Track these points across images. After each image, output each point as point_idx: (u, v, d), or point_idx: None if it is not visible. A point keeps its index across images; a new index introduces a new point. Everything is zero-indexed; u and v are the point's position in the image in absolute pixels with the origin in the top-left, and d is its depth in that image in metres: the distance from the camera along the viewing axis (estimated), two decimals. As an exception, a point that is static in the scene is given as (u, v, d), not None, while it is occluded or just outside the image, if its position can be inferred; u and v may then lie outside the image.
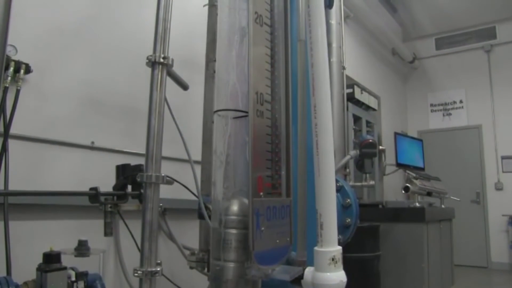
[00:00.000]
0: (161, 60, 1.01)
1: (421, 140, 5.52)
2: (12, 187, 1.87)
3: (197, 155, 2.03)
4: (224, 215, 0.96)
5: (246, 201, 0.92)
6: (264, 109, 0.97)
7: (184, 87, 1.25)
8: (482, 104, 7.25)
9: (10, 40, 1.40)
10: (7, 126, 1.92)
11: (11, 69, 1.95)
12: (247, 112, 0.95)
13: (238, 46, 1.03)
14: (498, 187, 6.91)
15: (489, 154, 7.08)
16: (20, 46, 1.99)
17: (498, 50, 7.27)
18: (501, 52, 7.23)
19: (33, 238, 1.99)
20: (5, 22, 1.36)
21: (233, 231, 0.94)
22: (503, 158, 6.96)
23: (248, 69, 0.95)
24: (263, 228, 0.94)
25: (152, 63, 1.02)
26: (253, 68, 0.95)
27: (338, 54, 2.98)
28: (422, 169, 5.07)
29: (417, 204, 3.77)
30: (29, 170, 2.05)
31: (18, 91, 1.99)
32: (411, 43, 7.89)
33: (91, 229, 2.02)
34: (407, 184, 3.70)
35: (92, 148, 2.32)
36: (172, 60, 1.04)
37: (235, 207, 0.96)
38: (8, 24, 1.33)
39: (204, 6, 2.23)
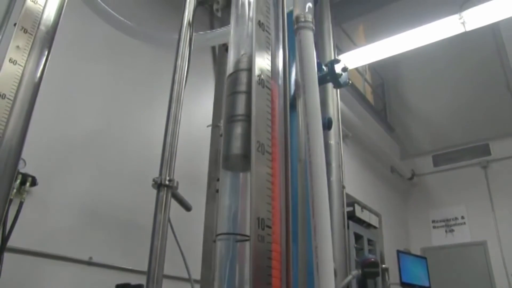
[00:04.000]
0: (167, 182, 1.05)
1: (425, 258, 5.39)
2: (1, 304, 1.80)
3: (195, 273, 1.98)
4: (237, 64, 1.16)
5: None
6: (265, 234, 0.99)
7: (187, 208, 1.27)
8: (484, 219, 7.15)
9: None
10: (5, 239, 1.90)
11: (18, 181, 2.00)
12: (248, 236, 0.97)
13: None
14: (515, 308, 6.49)
15: (498, 271, 6.75)
16: (28, 158, 2.06)
17: (494, 166, 7.40)
18: (497, 167, 7.35)
19: None
20: (20, 140, 1.42)
21: (244, 72, 1.12)
22: (513, 275, 6.64)
23: (250, 194, 0.98)
24: None
25: (158, 185, 1.06)
26: (255, 193, 0.98)
27: (337, 173, 3.05)
28: (428, 287, 4.88)
29: (426, 328, 3.55)
30: (22, 286, 1.99)
31: (21, 204, 2.01)
32: (409, 161, 8.07)
33: None
34: (414, 306, 3.52)
35: (89, 263, 2.27)
36: (177, 182, 1.08)
37: (244, 59, 1.15)
38: (23, 143, 1.39)
39: (208, 126, 2.36)
